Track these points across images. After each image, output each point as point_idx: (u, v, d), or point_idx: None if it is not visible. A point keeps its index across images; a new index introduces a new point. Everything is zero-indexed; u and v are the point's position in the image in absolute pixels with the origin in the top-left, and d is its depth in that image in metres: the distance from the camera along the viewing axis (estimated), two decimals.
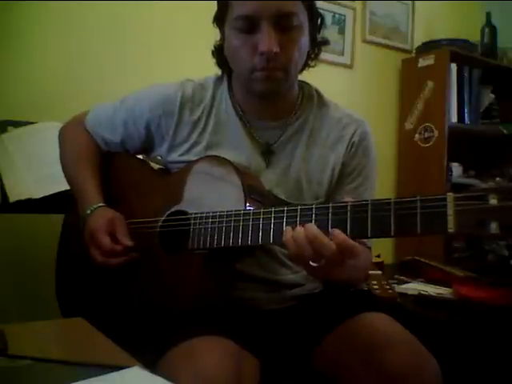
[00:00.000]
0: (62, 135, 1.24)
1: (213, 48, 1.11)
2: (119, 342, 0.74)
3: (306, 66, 1.09)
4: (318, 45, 1.09)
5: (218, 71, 1.13)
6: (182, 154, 1.08)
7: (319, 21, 1.07)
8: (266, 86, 0.99)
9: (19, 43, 1.73)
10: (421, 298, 1.80)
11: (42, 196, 1.41)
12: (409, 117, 2.71)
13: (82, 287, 1.15)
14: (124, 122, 1.13)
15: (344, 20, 2.55)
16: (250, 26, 0.96)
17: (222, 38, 1.06)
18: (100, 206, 1.06)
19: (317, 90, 1.15)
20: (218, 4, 1.04)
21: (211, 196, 0.96)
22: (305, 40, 1.01)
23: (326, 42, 1.11)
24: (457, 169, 2.70)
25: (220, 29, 1.06)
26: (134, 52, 1.95)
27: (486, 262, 2.32)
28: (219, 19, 1.04)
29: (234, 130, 1.07)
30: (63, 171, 1.21)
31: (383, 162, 2.66)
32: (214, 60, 1.12)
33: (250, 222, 0.87)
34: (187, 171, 1.02)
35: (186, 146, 1.07)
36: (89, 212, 1.05)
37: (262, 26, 0.94)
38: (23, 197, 1.42)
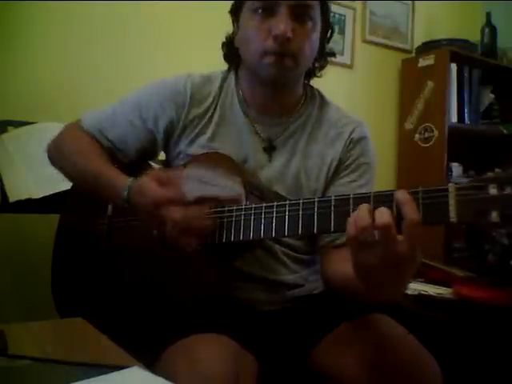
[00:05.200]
0: (59, 144, 1.14)
1: (224, 40, 1.12)
2: (119, 342, 0.74)
3: (313, 72, 1.12)
4: (325, 55, 1.12)
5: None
6: (187, 145, 1.07)
7: (330, 32, 1.10)
8: (275, 71, 1.00)
9: (19, 43, 1.73)
10: (421, 297, 1.80)
11: (41, 196, 1.41)
12: (409, 117, 2.71)
13: (80, 286, 1.14)
14: (128, 118, 1.09)
15: (344, 20, 2.55)
16: (268, 8, 0.98)
17: (235, 31, 1.08)
18: (133, 181, 0.95)
19: (319, 92, 1.16)
20: None
21: (211, 192, 0.96)
22: (316, 37, 1.04)
23: (332, 54, 1.14)
24: (457, 169, 2.70)
25: (235, 19, 1.08)
26: (135, 52, 1.95)
27: (486, 261, 2.32)
28: (236, 9, 1.07)
29: (238, 124, 1.08)
30: (71, 175, 1.12)
31: (383, 162, 2.67)
32: (217, 60, 1.13)
33: (252, 217, 0.88)
34: (186, 167, 1.02)
35: (191, 137, 1.07)
36: (126, 193, 0.95)
37: (278, 11, 0.98)
38: (23, 197, 1.42)
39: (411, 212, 0.69)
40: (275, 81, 1.03)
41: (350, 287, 0.88)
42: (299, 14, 0.99)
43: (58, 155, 1.15)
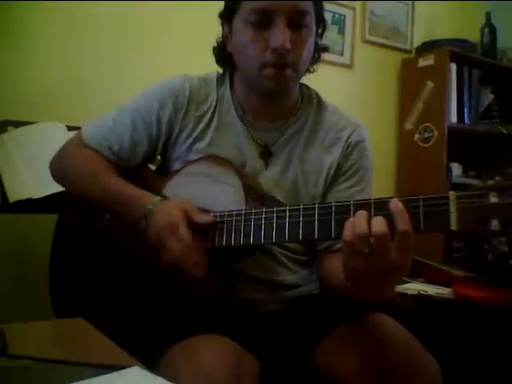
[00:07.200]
0: (61, 162, 1.13)
1: (215, 44, 1.10)
2: (118, 342, 0.74)
3: (307, 70, 1.09)
4: (318, 50, 1.09)
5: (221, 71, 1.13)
6: (185, 150, 1.06)
7: (322, 27, 1.07)
8: (275, 83, 0.98)
9: (19, 43, 1.73)
10: (421, 297, 1.80)
11: (41, 196, 1.41)
12: (408, 117, 2.71)
13: (79, 287, 1.14)
14: (130, 125, 1.07)
15: (344, 20, 2.55)
16: (264, 20, 0.96)
17: (226, 35, 1.05)
18: (162, 199, 0.96)
19: (316, 93, 1.15)
20: None
21: (211, 196, 0.96)
22: (311, 41, 1.02)
23: (325, 49, 1.11)
24: (457, 169, 2.70)
25: (226, 24, 1.05)
26: (135, 52, 1.95)
27: (485, 261, 2.32)
28: (228, 14, 1.03)
29: (235, 130, 1.07)
30: (77, 192, 1.10)
31: (383, 162, 2.67)
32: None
33: (252, 222, 0.87)
34: (186, 171, 1.02)
35: (188, 142, 1.06)
36: (151, 207, 0.93)
37: (276, 21, 0.95)
38: (23, 197, 1.42)
39: (401, 223, 0.71)
40: (276, 92, 1.01)
41: (340, 286, 0.91)
42: (297, 21, 0.96)
43: (61, 173, 1.13)
